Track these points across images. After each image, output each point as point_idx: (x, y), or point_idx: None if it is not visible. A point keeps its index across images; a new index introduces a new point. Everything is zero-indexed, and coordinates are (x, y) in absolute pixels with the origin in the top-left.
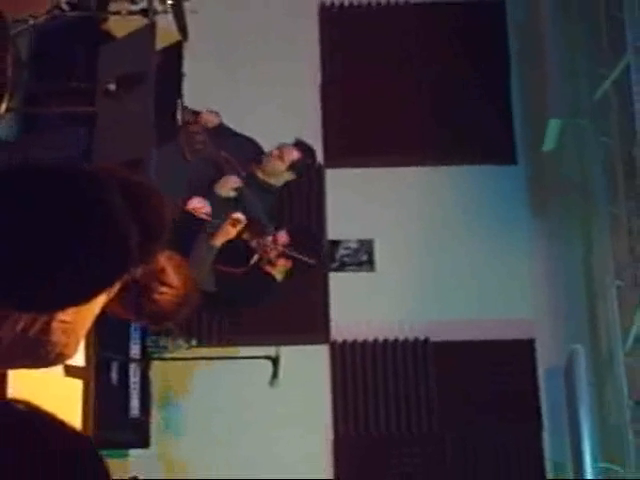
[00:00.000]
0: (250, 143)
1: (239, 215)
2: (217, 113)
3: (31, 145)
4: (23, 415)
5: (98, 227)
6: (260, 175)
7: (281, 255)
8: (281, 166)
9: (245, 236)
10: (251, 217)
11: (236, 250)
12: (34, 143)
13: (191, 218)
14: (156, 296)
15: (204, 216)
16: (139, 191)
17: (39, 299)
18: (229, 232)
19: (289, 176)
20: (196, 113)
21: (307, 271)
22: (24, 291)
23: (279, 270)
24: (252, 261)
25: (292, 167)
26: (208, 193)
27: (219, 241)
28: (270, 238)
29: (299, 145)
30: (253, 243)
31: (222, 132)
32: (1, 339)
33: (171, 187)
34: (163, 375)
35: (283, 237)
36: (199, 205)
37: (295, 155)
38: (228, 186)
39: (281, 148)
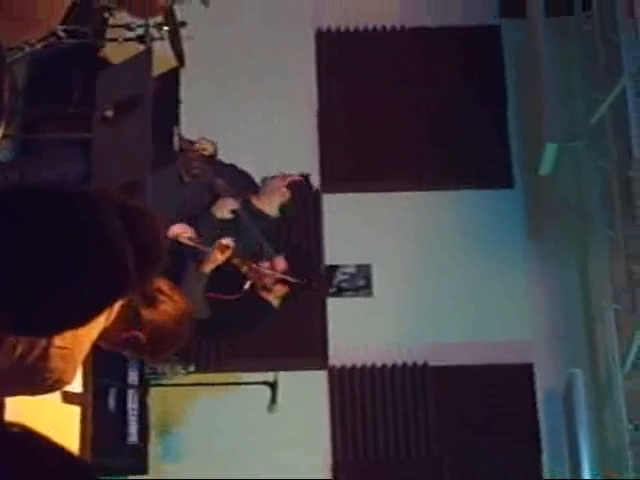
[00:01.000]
0: (243, 175)
1: (228, 241)
2: (213, 142)
3: (27, 167)
4: (18, 437)
5: (93, 248)
6: (257, 203)
7: (278, 281)
8: (282, 197)
9: (235, 262)
10: (248, 240)
11: (228, 277)
12: (30, 165)
13: (175, 246)
14: (159, 305)
15: (187, 241)
16: (135, 214)
17: (34, 322)
18: (217, 258)
19: (287, 208)
20: (192, 142)
21: (305, 295)
22: (18, 313)
23: (276, 295)
24: (245, 287)
25: (292, 202)
26: (204, 215)
27: (208, 268)
28: (267, 264)
29: (303, 180)
30: (244, 269)
31: (216, 162)
32: None
33: (168, 209)
34: (161, 401)
35: (281, 263)
36: (180, 230)
37: (289, 195)
38: (225, 208)
39: (285, 178)
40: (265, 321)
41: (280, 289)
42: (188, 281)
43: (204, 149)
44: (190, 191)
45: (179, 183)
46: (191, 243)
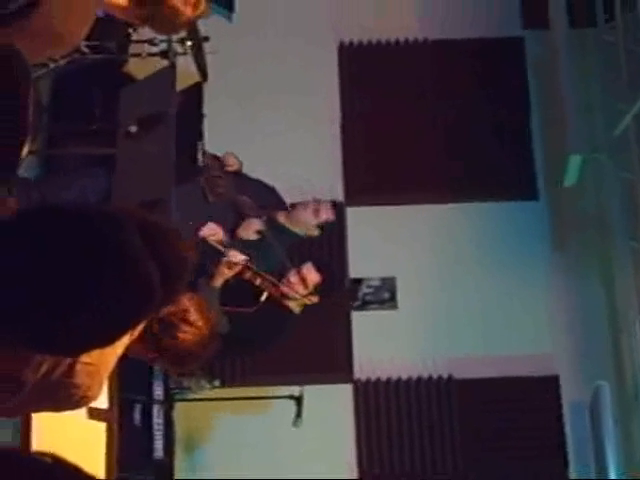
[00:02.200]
0: (269, 190)
1: (237, 256)
2: (237, 157)
3: (50, 185)
4: (49, 467)
5: (113, 266)
6: (284, 222)
7: (309, 294)
8: (313, 221)
9: (247, 276)
10: (271, 259)
11: (244, 290)
12: (53, 183)
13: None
14: (179, 334)
15: (215, 244)
16: (157, 231)
17: (56, 341)
18: (224, 273)
19: (314, 232)
20: (216, 157)
21: (327, 307)
22: (39, 332)
23: (297, 303)
24: (262, 299)
25: (320, 225)
26: (229, 237)
27: (217, 282)
28: (294, 274)
29: (334, 206)
30: (257, 282)
31: (242, 177)
32: (25, 383)
33: (192, 228)
34: (187, 416)
35: (312, 274)
36: (211, 231)
37: (330, 216)
38: (251, 229)
39: (319, 204)
40: (285, 331)
41: (299, 288)
42: (202, 294)
43: (230, 165)
44: (215, 211)
45: (204, 202)
46: (218, 246)
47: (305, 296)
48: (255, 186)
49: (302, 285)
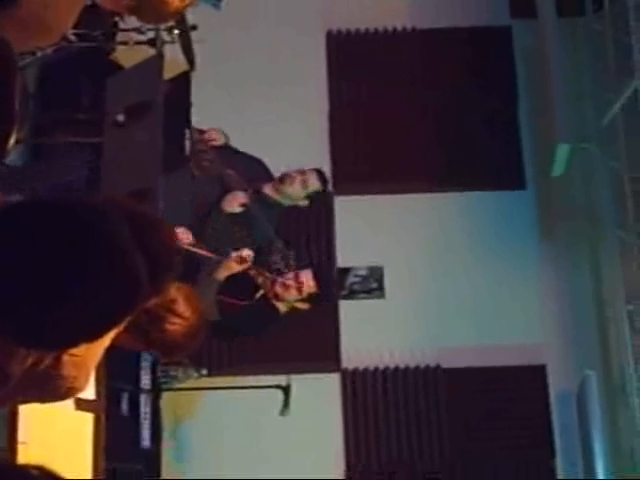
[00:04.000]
0: (256, 162)
1: (247, 253)
2: (222, 132)
3: (36, 174)
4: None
5: (99, 257)
6: (271, 194)
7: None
8: (301, 192)
9: (252, 273)
10: (259, 233)
11: (242, 283)
12: (39, 172)
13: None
14: (167, 326)
15: (188, 246)
16: (145, 222)
17: (42, 335)
18: (232, 268)
19: (303, 202)
20: (202, 131)
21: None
22: (25, 326)
23: (286, 305)
24: (257, 295)
25: (309, 195)
26: (215, 210)
27: (222, 275)
28: (291, 278)
29: (320, 175)
30: (259, 280)
31: (228, 151)
32: (11, 375)
33: (179, 206)
34: (174, 405)
35: (309, 282)
36: (181, 235)
37: (317, 186)
38: (236, 202)
39: (305, 175)
40: (272, 325)
41: (294, 294)
42: (199, 285)
43: (214, 140)
44: (200, 187)
45: (189, 178)
46: (192, 249)
47: (297, 301)
48: (241, 159)
49: (297, 291)
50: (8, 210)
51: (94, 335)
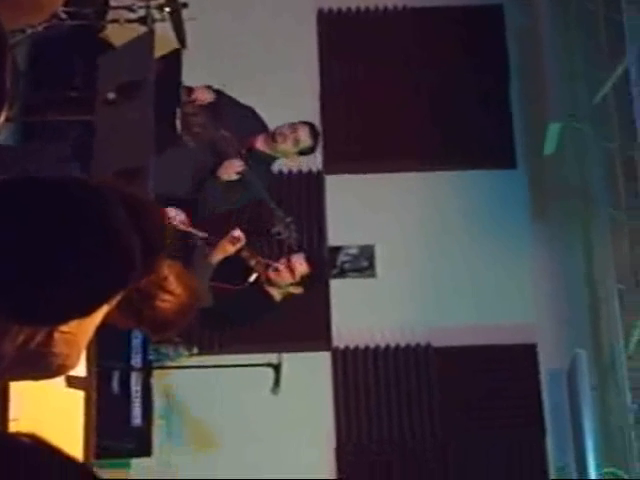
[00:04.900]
0: (249, 112)
1: (239, 233)
2: (211, 87)
3: (28, 154)
4: (28, 447)
5: (93, 235)
6: (264, 149)
7: (289, 273)
8: (293, 149)
9: (244, 255)
10: (253, 194)
11: (234, 267)
12: (31, 151)
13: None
14: (158, 303)
15: (180, 225)
16: (138, 204)
17: (36, 311)
18: (227, 249)
19: (295, 158)
20: (190, 90)
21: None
22: (19, 303)
23: (280, 291)
24: (250, 279)
25: (301, 152)
26: (210, 179)
27: (216, 258)
28: (283, 263)
29: (312, 129)
30: (252, 262)
31: (219, 107)
32: (3, 356)
33: (174, 177)
34: (165, 383)
35: (302, 265)
36: (172, 214)
37: (309, 142)
38: (232, 170)
39: (297, 132)
40: (266, 314)
41: (287, 277)
42: (194, 268)
43: (201, 100)
44: (193, 156)
45: (182, 149)
46: (183, 227)
47: (291, 285)
48: (234, 112)
49: (290, 274)
50: (1, 188)
51: (86, 311)
